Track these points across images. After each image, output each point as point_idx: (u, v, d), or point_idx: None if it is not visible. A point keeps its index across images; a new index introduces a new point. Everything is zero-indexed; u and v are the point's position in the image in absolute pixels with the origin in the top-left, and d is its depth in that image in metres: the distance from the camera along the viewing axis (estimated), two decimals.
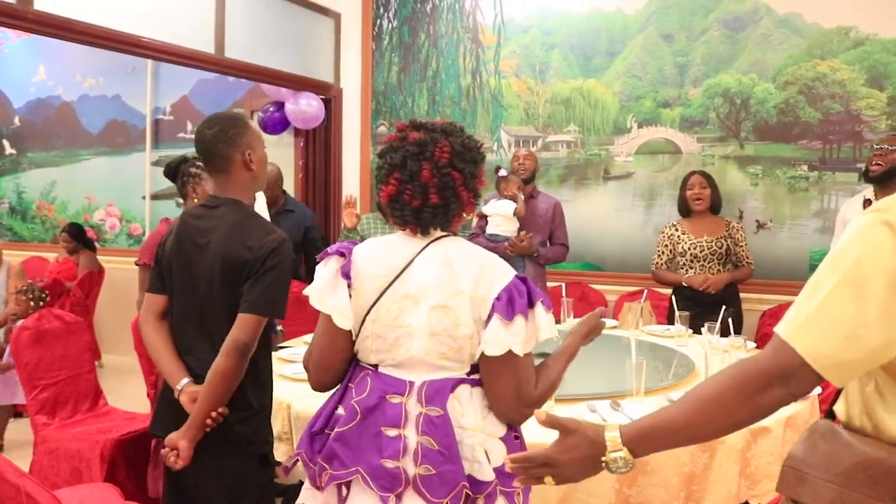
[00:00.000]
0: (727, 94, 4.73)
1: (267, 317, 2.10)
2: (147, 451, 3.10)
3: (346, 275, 1.72)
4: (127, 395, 3.73)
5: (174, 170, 3.22)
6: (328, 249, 1.78)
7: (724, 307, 3.44)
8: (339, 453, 1.67)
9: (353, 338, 1.75)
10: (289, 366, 2.87)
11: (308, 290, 1.75)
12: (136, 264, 3.52)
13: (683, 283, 4.07)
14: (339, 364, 1.79)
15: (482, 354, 1.66)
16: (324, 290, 1.73)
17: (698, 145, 4.84)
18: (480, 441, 1.67)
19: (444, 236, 1.77)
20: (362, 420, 1.68)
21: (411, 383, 1.69)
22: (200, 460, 2.08)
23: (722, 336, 3.16)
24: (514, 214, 4.16)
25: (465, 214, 1.80)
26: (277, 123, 5.39)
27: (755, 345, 3.56)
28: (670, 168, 4.92)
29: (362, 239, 3.93)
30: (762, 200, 4.67)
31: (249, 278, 2.08)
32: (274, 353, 3.07)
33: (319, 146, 5.57)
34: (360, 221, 3.96)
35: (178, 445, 2.04)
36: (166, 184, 6.63)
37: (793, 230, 4.60)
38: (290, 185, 5.54)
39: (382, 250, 1.76)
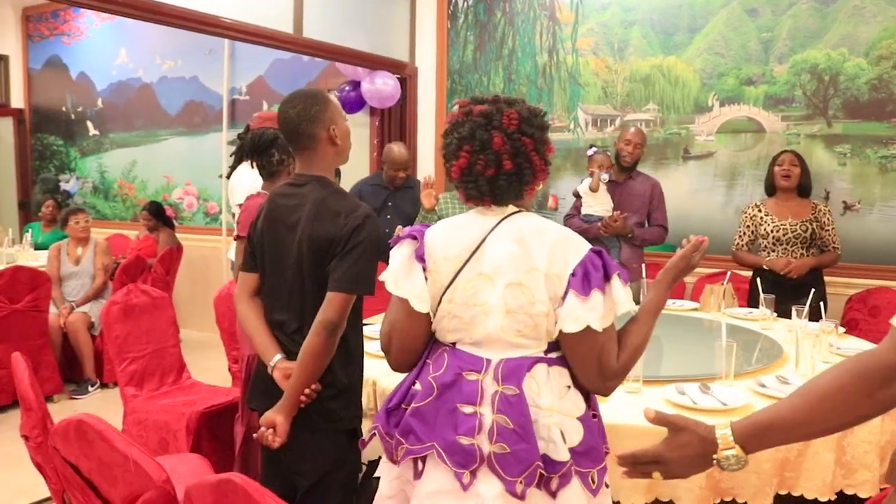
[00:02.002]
0: (815, 70, 4.55)
1: (355, 294, 2.10)
2: (230, 423, 3.18)
3: (420, 257, 1.73)
4: (204, 369, 3.82)
5: (269, 143, 3.10)
6: (403, 233, 1.79)
7: (812, 291, 3.33)
8: (415, 428, 1.69)
9: (431, 318, 1.75)
10: (373, 343, 2.87)
11: (384, 276, 1.77)
12: (234, 238, 3.59)
13: (764, 266, 3.96)
14: (419, 345, 1.80)
15: (560, 332, 1.65)
16: (399, 274, 1.74)
17: (783, 124, 4.68)
18: (556, 421, 1.66)
19: (517, 212, 1.75)
20: (439, 396, 1.69)
21: (488, 361, 1.69)
22: (293, 436, 2.10)
23: (810, 320, 3.07)
24: (590, 189, 4.13)
25: (538, 184, 1.78)
26: (353, 103, 5.41)
27: (844, 329, 3.45)
28: (753, 147, 4.78)
29: (440, 219, 3.96)
30: (850, 181, 4.50)
31: (335, 256, 2.08)
32: None
33: (394, 125, 5.59)
34: (438, 202, 3.96)
35: (275, 421, 2.06)
36: None
37: (883, 212, 4.42)
38: (364, 165, 5.59)
39: (455, 230, 1.76)
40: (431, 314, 1.75)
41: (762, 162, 4.70)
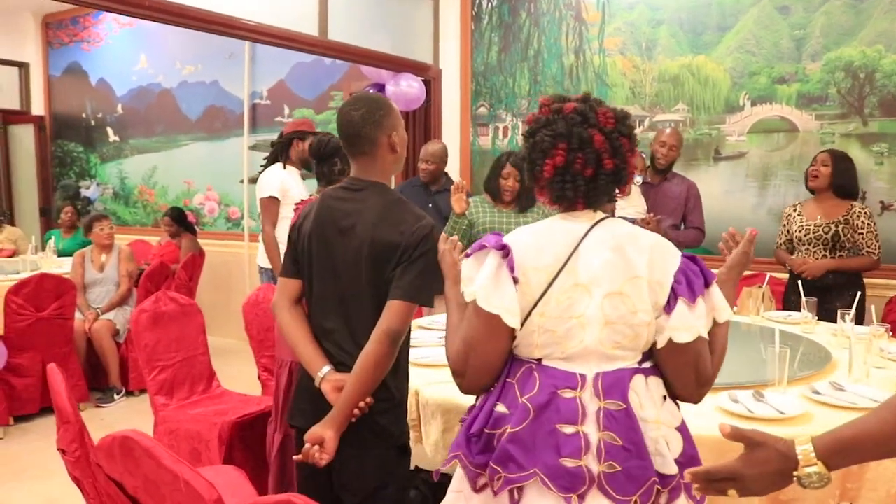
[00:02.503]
0: (850, 67, 4.45)
1: (418, 304, 2.02)
2: (263, 434, 3.12)
3: (511, 269, 1.60)
4: (229, 376, 3.77)
5: (334, 151, 2.99)
6: (483, 242, 1.66)
7: (858, 293, 3.25)
8: (515, 455, 1.57)
9: (516, 334, 1.64)
10: (412, 350, 2.80)
11: (472, 291, 1.62)
12: None
13: (787, 266, 3.93)
14: (501, 364, 1.68)
15: (669, 341, 1.58)
16: (489, 288, 1.60)
17: (816, 123, 4.58)
18: (663, 433, 1.59)
19: (605, 218, 1.67)
20: (535, 418, 1.58)
21: (583, 376, 1.60)
22: (340, 452, 2.00)
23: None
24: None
25: (628, 187, 1.71)
26: None
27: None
28: (786, 147, 4.68)
29: (470, 224, 3.92)
30: (888, 180, 4.40)
31: (400, 264, 2.00)
32: None
33: (419, 128, 5.53)
34: (469, 206, 3.89)
35: (324, 436, 1.94)
36: None
37: None
38: None
39: (543, 238, 1.65)
40: (517, 329, 1.63)
41: (795, 162, 4.61)
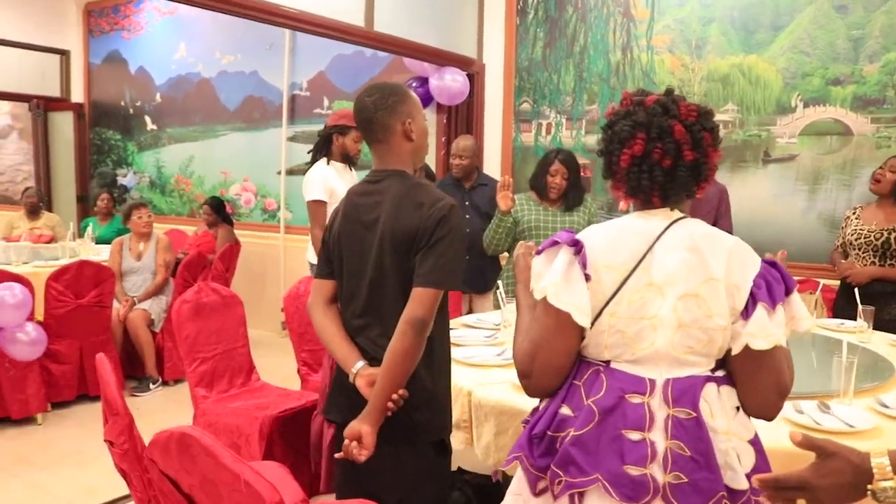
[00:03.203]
0: None
1: (443, 289, 1.96)
2: (303, 429, 3.07)
3: (583, 266, 1.56)
4: (264, 368, 3.74)
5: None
6: (555, 238, 1.62)
7: None
8: (578, 459, 1.53)
9: (585, 334, 1.60)
10: (458, 349, 2.75)
11: (542, 287, 1.58)
12: None
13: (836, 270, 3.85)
14: (569, 365, 1.63)
15: (745, 348, 1.50)
16: (560, 284, 1.55)
17: (872, 126, 4.45)
18: (734, 445, 1.52)
19: (684, 217, 1.61)
20: (600, 422, 1.53)
21: (652, 381, 1.54)
22: (377, 449, 1.97)
23: None
24: None
25: (708, 186, 1.64)
26: (420, 99, 5.30)
27: None
28: (839, 151, 4.56)
29: (515, 222, 3.85)
30: None
31: (421, 249, 1.96)
32: None
33: (461, 123, 5.46)
34: (514, 204, 3.81)
35: (361, 432, 1.92)
36: (301, 159, 6.75)
37: None
38: (431, 162, 5.47)
39: (618, 235, 1.60)
40: (587, 329, 1.59)
41: (848, 166, 4.49)
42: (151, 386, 5.10)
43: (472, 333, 3.04)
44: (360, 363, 2.03)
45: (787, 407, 2.19)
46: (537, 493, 1.61)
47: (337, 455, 2.00)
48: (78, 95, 8.64)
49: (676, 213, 1.61)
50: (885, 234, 3.75)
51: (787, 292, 1.55)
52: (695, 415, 1.50)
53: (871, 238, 3.78)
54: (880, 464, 1.13)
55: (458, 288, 2.02)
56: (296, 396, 3.41)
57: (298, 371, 3.64)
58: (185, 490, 1.59)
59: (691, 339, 1.53)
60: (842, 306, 3.87)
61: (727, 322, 1.52)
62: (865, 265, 3.81)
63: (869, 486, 1.14)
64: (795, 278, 4.12)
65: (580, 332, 1.59)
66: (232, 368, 3.55)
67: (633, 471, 1.49)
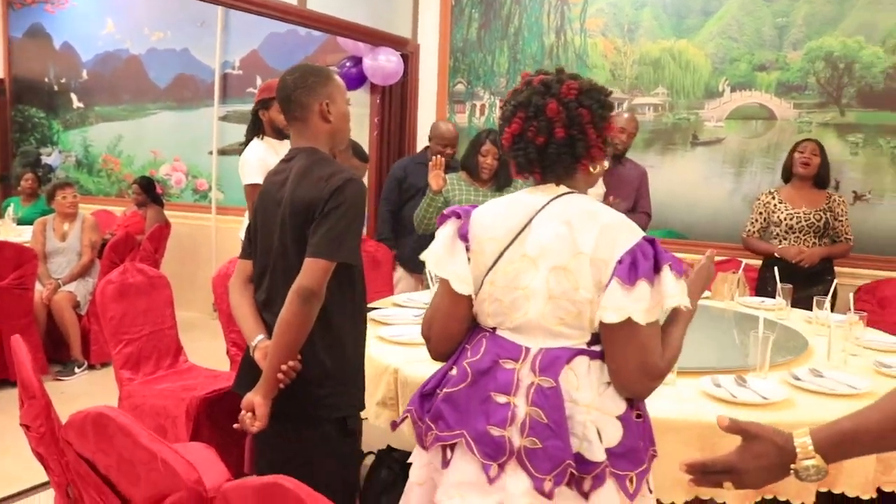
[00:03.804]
0: (830, 57, 4.46)
1: (333, 261, 1.96)
2: (232, 410, 3.03)
3: (464, 237, 1.66)
4: (194, 351, 3.68)
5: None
6: (445, 212, 1.70)
7: (833, 281, 3.27)
8: (446, 414, 1.62)
9: (472, 302, 1.67)
10: (385, 328, 2.75)
11: (425, 255, 1.71)
12: None
13: (776, 255, 3.91)
14: (461, 331, 1.71)
15: (601, 322, 1.54)
16: (442, 254, 1.68)
17: (795, 111, 4.59)
18: (594, 419, 1.55)
19: (568, 193, 1.64)
20: (473, 383, 1.61)
21: (527, 349, 1.59)
22: (277, 426, 2.00)
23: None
24: None
25: (593, 164, 1.66)
26: (354, 79, 5.25)
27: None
28: (763, 134, 4.69)
29: (446, 201, 3.86)
30: (861, 171, 4.43)
31: (315, 220, 1.98)
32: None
33: (395, 103, 5.43)
34: (445, 184, 3.82)
35: (254, 403, 1.95)
36: (233, 139, 6.63)
37: (894, 203, 4.37)
38: (363, 143, 5.43)
39: (504, 209, 1.67)
40: (473, 297, 1.66)
41: (772, 149, 4.62)
42: (77, 370, 4.96)
43: (402, 312, 3.04)
44: (260, 336, 2.06)
45: (706, 381, 2.27)
46: (425, 447, 1.69)
47: (235, 426, 2.01)
48: None
49: (562, 189, 1.65)
50: (823, 214, 3.89)
51: (657, 270, 1.55)
52: (555, 385, 1.54)
53: (812, 220, 3.90)
54: (803, 443, 1.16)
55: (353, 261, 2.02)
56: (224, 377, 3.36)
57: (228, 352, 3.59)
58: (103, 471, 1.55)
59: (561, 311, 1.57)
60: (762, 285, 4.00)
61: (592, 295, 1.55)
62: (808, 246, 3.92)
63: (792, 466, 1.17)
64: (720, 258, 4.23)
65: (467, 300, 1.67)
66: (159, 350, 3.48)
67: (495, 431, 1.55)
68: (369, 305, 3.24)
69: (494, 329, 1.66)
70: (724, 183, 4.78)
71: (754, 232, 4.11)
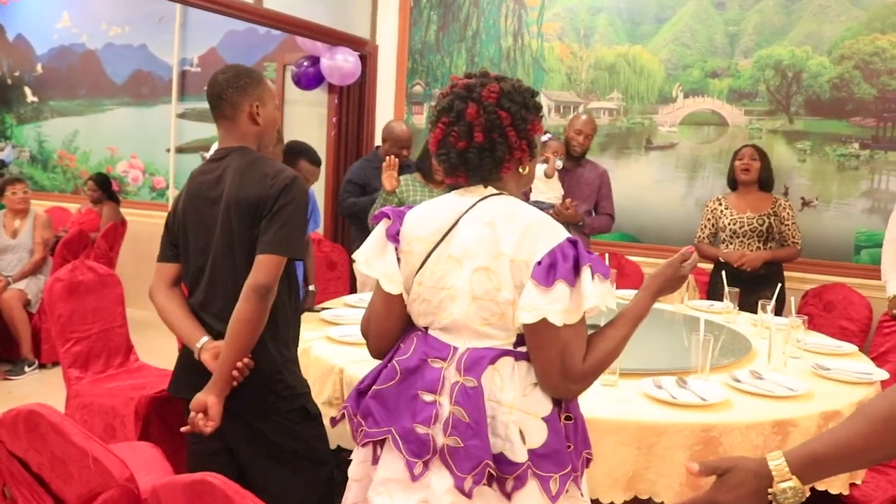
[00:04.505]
0: (779, 66, 4.56)
1: (285, 256, 2.00)
2: (180, 409, 3.02)
3: (394, 237, 1.68)
4: (149, 350, 3.66)
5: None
6: (377, 213, 1.73)
7: (779, 285, 3.35)
8: (374, 412, 1.64)
9: (405, 301, 1.69)
10: (335, 328, 2.76)
11: (356, 255, 1.72)
12: None
13: (720, 259, 3.99)
14: (396, 329, 1.73)
15: (524, 323, 1.55)
16: (371, 254, 1.70)
17: (745, 118, 4.69)
18: (516, 419, 1.55)
19: (495, 195, 1.65)
20: (401, 381, 1.63)
21: (455, 349, 1.61)
22: (233, 423, 2.00)
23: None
24: (545, 175, 4.07)
25: (520, 166, 1.67)
26: (311, 79, 5.25)
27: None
28: (715, 140, 4.78)
29: (400, 202, 3.87)
30: (809, 177, 4.53)
31: (264, 218, 1.99)
32: (316, 315, 2.99)
33: (353, 104, 5.44)
34: (399, 185, 3.83)
35: (207, 402, 1.93)
36: (191, 137, 6.58)
37: (839, 209, 4.47)
38: (321, 143, 5.43)
39: (433, 210, 1.68)
40: (405, 296, 1.68)
41: (724, 155, 4.70)
42: (27, 368, 4.89)
43: (352, 313, 3.05)
44: (205, 338, 2.05)
45: (647, 382, 2.31)
46: (360, 444, 1.70)
47: (183, 429, 1.99)
48: None
49: (489, 191, 1.65)
50: (766, 219, 3.96)
51: (577, 271, 1.55)
52: (477, 385, 1.55)
53: (755, 224, 3.97)
54: (778, 466, 1.15)
55: (301, 256, 2.05)
56: None
57: (179, 350, 3.56)
58: (35, 470, 1.55)
59: (485, 311, 1.58)
60: (717, 290, 4.07)
61: (513, 296, 1.56)
62: (752, 250, 4.00)
63: (770, 490, 1.16)
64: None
65: (399, 300, 1.69)
66: (109, 349, 3.45)
67: (420, 429, 1.57)
68: (321, 305, 3.26)
69: (426, 328, 1.67)
70: (677, 187, 4.86)
71: (704, 238, 4.18)
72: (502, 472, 1.53)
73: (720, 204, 4.13)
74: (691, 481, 2.07)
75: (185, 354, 2.14)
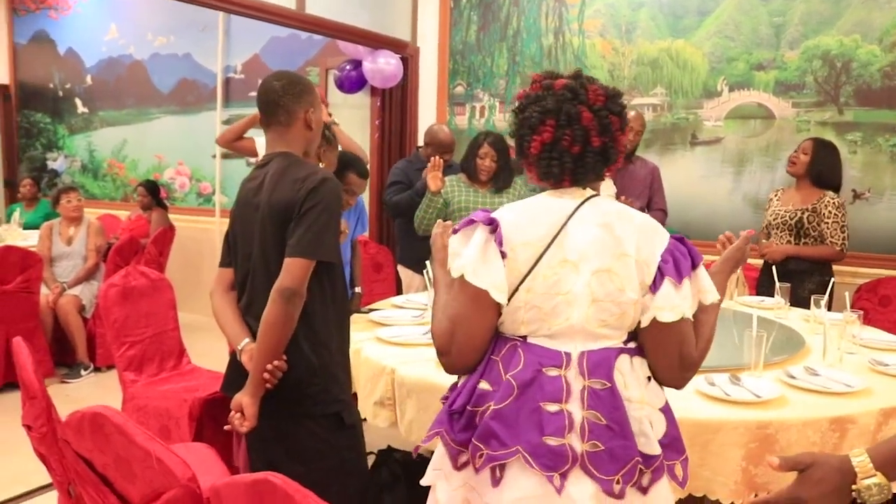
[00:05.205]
0: (827, 56, 4.47)
1: (312, 259, 2.01)
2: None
3: (499, 244, 1.58)
4: (199, 353, 3.73)
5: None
6: (472, 217, 1.63)
7: (831, 280, 3.29)
8: (498, 432, 1.55)
9: (502, 310, 1.62)
10: (384, 329, 2.79)
11: (460, 266, 1.59)
12: None
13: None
14: (487, 341, 1.65)
15: (653, 321, 1.56)
16: (477, 263, 1.57)
17: (793, 110, 4.60)
18: (647, 413, 1.58)
19: (595, 195, 1.65)
20: (519, 395, 1.56)
21: (568, 354, 1.58)
22: (270, 425, 2.05)
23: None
24: None
25: (616, 167, 1.68)
26: (354, 82, 5.29)
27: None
28: (762, 134, 4.70)
29: (446, 203, 3.88)
30: (860, 169, 4.43)
31: (293, 220, 2.02)
32: (364, 316, 3.01)
33: (395, 106, 5.47)
34: (444, 185, 3.84)
35: (242, 403, 2.00)
36: None
37: (893, 201, 4.36)
38: (364, 145, 5.46)
39: (532, 213, 1.62)
40: (504, 305, 1.60)
41: (771, 148, 4.63)
42: (83, 372, 5.02)
43: (401, 313, 3.07)
44: (246, 340, 2.10)
45: (700, 379, 2.28)
46: (458, 468, 1.63)
47: (225, 427, 2.06)
48: (3, 76, 8.36)
49: (588, 192, 1.65)
50: (799, 213, 3.88)
51: (694, 266, 1.60)
52: (609, 385, 1.55)
53: (787, 218, 3.91)
54: (861, 462, 1.15)
55: (331, 259, 2.06)
56: None
57: (230, 354, 3.62)
58: (100, 470, 1.59)
59: (604, 313, 1.57)
60: (763, 284, 4.01)
61: (638, 296, 1.57)
62: (782, 244, 3.94)
63: (854, 486, 1.15)
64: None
65: (497, 309, 1.61)
66: (162, 352, 3.52)
67: (552, 441, 1.52)
68: (369, 307, 3.28)
69: (525, 337, 1.62)
70: (723, 182, 4.79)
71: (763, 229, 4.14)
72: (644, 467, 1.55)
73: (776, 196, 4.10)
74: (747, 479, 2.04)
75: (234, 356, 2.20)
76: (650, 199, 4.29)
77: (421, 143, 5.57)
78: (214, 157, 6.84)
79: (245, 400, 1.99)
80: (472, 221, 1.62)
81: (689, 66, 4.86)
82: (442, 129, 4.55)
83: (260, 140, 3.89)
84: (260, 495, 1.23)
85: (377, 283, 4.52)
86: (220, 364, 3.83)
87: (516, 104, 1.70)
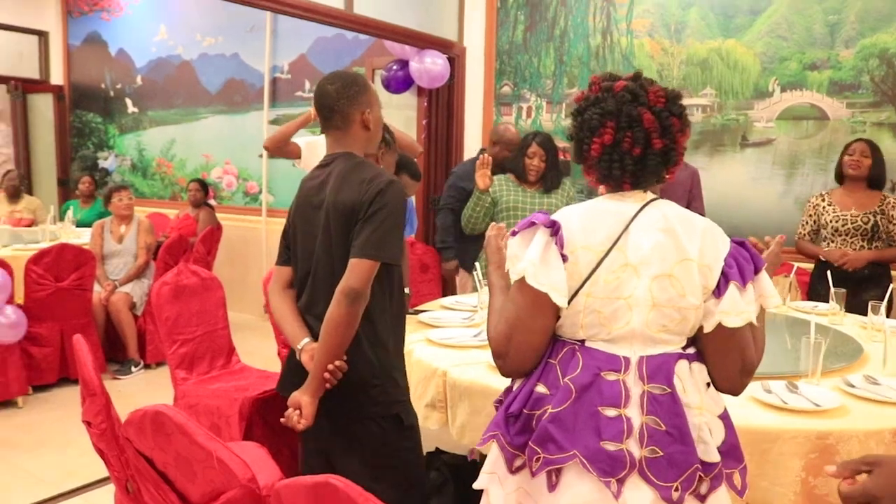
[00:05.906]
0: (885, 55, 4.36)
1: (377, 261, 2.01)
2: (282, 410, 3.09)
3: (560, 246, 1.56)
4: (246, 352, 3.77)
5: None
6: (532, 219, 1.60)
7: (890, 285, 3.20)
8: (556, 436, 1.53)
9: (560, 314, 1.60)
10: (434, 331, 2.79)
11: (520, 268, 1.57)
12: None
13: (821, 257, 3.85)
14: (545, 345, 1.63)
15: (718, 326, 1.54)
16: (539, 265, 1.54)
17: (847, 111, 4.50)
18: (706, 420, 1.56)
19: (656, 199, 1.63)
20: (577, 399, 1.55)
21: (626, 359, 1.56)
22: (330, 425, 2.06)
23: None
24: None
25: (677, 169, 1.65)
26: (401, 82, 5.30)
27: None
28: (815, 135, 4.61)
29: (494, 202, 3.88)
30: None
31: (358, 222, 2.03)
32: (414, 317, 3.02)
33: (442, 106, 5.46)
34: (492, 183, 3.84)
35: (301, 402, 2.00)
36: None
37: None
38: None
39: (593, 216, 1.60)
40: (563, 308, 1.58)
41: (824, 150, 4.53)
42: (133, 369, 5.11)
43: (450, 315, 3.07)
44: (306, 339, 2.11)
45: (756, 386, 2.24)
46: (513, 471, 1.62)
47: (282, 420, 2.07)
48: (57, 77, 8.56)
49: (649, 195, 1.63)
50: (872, 217, 3.80)
51: (756, 271, 1.58)
52: (669, 390, 1.54)
53: (860, 223, 3.82)
54: None
55: (395, 261, 2.06)
56: (275, 378, 3.40)
57: (279, 353, 3.66)
58: (160, 468, 1.61)
59: (665, 318, 1.55)
60: (819, 291, 3.93)
61: (700, 301, 1.55)
62: (855, 249, 3.85)
63: None
64: None
65: (556, 312, 1.59)
66: (212, 350, 3.56)
67: (610, 446, 1.51)
68: (417, 308, 3.29)
69: (583, 341, 1.61)
70: (774, 184, 4.71)
71: (805, 235, 4.05)
72: (703, 475, 1.54)
73: (823, 200, 3.98)
74: (807, 491, 2.00)
75: (292, 355, 2.20)
76: (689, 204, 4.23)
77: (473, 142, 5.57)
78: (261, 156, 6.91)
79: (304, 399, 2.00)
80: (532, 224, 1.60)
81: (739, 66, 4.78)
82: (509, 129, 4.56)
83: (301, 142, 3.91)
84: (321, 497, 1.23)
85: (423, 284, 4.53)
86: (266, 363, 3.89)
87: (574, 107, 1.68)
